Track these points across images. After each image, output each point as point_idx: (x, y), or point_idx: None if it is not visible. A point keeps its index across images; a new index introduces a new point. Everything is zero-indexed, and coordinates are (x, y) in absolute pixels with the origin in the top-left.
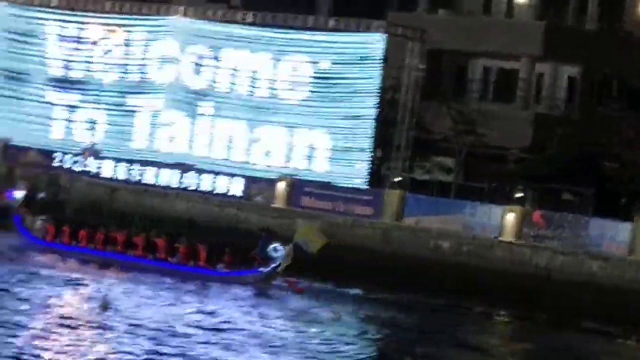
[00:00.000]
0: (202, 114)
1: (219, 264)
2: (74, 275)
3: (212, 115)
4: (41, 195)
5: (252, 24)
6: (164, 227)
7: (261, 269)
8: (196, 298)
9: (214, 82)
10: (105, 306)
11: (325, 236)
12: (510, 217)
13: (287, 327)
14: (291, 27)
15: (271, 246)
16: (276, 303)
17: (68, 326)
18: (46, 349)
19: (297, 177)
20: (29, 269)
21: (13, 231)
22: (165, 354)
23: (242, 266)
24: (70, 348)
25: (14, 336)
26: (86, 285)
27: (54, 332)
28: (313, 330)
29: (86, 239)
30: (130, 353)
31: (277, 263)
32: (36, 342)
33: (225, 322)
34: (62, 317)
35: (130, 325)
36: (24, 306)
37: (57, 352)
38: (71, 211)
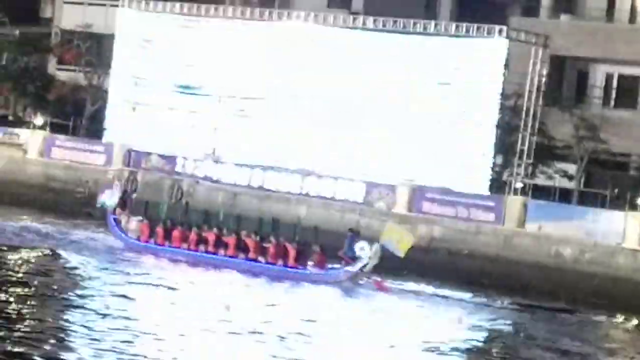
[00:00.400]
0: (322, 120)
1: (308, 263)
2: (185, 276)
3: (332, 121)
4: (134, 195)
5: (373, 29)
6: (283, 232)
7: (348, 268)
8: (302, 297)
9: (334, 88)
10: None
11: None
12: (633, 224)
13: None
14: (412, 33)
15: (357, 245)
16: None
17: (197, 328)
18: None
19: (418, 183)
20: (138, 269)
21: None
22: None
23: (330, 265)
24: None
25: (142, 339)
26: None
27: (186, 336)
28: (435, 331)
29: (179, 239)
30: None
31: (364, 262)
32: (167, 346)
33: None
34: (185, 319)
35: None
36: (141, 309)
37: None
38: (194, 216)
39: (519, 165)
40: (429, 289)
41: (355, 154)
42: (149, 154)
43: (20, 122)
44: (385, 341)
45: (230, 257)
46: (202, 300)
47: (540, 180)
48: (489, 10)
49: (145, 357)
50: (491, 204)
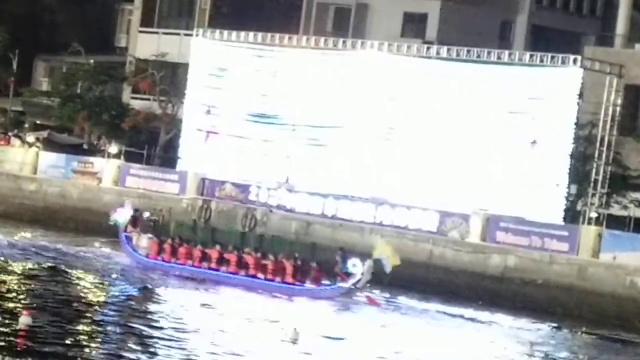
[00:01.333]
0: (395, 149)
1: (306, 279)
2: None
3: (405, 150)
4: (146, 214)
5: (447, 58)
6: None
7: (341, 284)
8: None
9: (408, 117)
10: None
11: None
12: None
13: None
14: (486, 62)
15: (350, 262)
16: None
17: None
18: None
19: (492, 212)
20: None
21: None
22: None
23: (325, 281)
24: None
25: None
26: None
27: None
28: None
29: (184, 256)
30: None
31: (357, 279)
32: None
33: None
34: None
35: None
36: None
37: None
38: (267, 244)
39: (594, 195)
40: (503, 318)
41: (429, 183)
42: (223, 182)
43: (95, 151)
44: None
45: (231, 273)
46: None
47: (615, 210)
48: (563, 40)
49: None
50: (565, 233)
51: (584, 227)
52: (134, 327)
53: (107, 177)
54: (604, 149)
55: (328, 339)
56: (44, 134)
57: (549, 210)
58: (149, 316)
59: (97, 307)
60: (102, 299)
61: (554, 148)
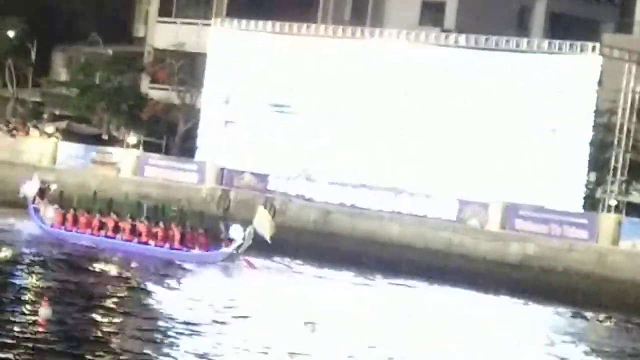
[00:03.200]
0: (414, 137)
1: (194, 246)
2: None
3: (424, 138)
4: (54, 187)
5: (465, 46)
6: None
7: (224, 249)
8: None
9: (427, 105)
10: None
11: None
12: None
13: None
14: (504, 50)
15: (232, 228)
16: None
17: None
18: None
19: (511, 201)
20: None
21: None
22: None
23: (212, 248)
24: None
25: None
26: None
27: None
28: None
29: (84, 225)
30: None
31: (239, 244)
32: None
33: None
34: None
35: None
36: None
37: None
38: (286, 233)
39: (613, 183)
40: (522, 305)
41: (448, 172)
42: (242, 172)
43: (113, 141)
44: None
45: (126, 240)
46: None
47: (634, 198)
48: (582, 27)
49: None
50: (584, 221)
51: (603, 215)
52: None
53: (126, 167)
54: (623, 136)
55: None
56: (63, 124)
57: (569, 199)
58: None
59: None
60: None
61: (573, 136)
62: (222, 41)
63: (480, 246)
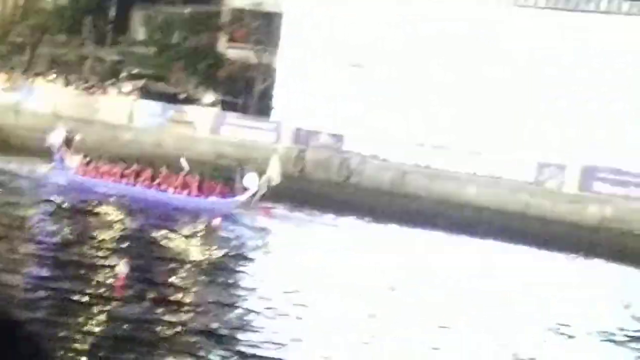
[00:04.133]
0: (492, 99)
1: (212, 194)
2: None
3: (502, 100)
4: (79, 137)
5: (543, 7)
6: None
7: (238, 197)
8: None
9: (505, 68)
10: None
11: None
12: None
13: None
14: (583, 11)
15: (246, 176)
16: None
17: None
18: None
19: (589, 163)
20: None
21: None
22: None
23: (228, 196)
24: None
25: None
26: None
27: None
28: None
29: (107, 173)
30: None
31: (254, 191)
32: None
33: None
34: None
35: None
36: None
37: None
38: (362, 194)
39: None
40: (600, 267)
41: (526, 134)
42: (318, 132)
43: (190, 100)
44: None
45: (145, 187)
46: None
47: None
48: None
49: None
50: None
51: None
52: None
53: (203, 126)
54: None
55: None
56: (140, 83)
57: None
58: None
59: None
60: None
61: None
62: (299, 0)
63: (557, 208)
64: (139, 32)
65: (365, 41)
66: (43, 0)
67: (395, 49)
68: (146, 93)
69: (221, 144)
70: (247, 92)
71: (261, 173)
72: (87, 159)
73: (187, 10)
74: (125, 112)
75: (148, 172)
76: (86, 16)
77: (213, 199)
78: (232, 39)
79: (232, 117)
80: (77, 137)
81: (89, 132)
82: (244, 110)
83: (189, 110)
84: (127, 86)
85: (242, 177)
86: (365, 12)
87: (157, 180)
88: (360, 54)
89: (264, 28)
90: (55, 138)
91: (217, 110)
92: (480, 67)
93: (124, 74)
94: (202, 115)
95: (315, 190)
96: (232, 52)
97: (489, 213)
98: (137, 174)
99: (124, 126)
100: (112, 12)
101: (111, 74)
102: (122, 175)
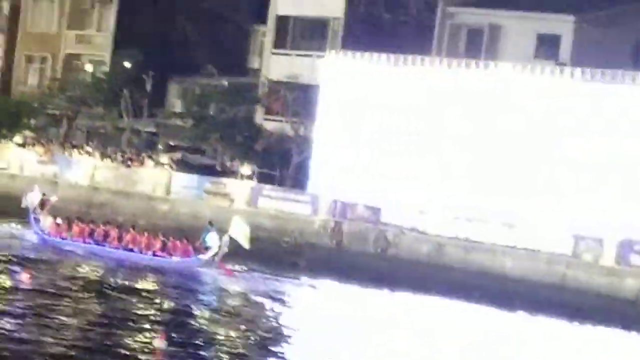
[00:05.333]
0: (529, 171)
1: (175, 253)
2: None
3: (539, 172)
4: (53, 198)
5: (580, 80)
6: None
7: (201, 256)
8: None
9: (542, 138)
10: None
11: None
12: None
13: None
14: (620, 83)
15: (209, 236)
16: None
17: None
18: None
19: (627, 236)
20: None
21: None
22: None
23: (191, 255)
24: None
25: None
26: None
27: None
28: None
29: (78, 233)
30: None
31: (215, 251)
32: None
33: None
34: None
35: None
36: None
37: None
38: (399, 266)
39: None
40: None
41: (562, 206)
42: (355, 204)
43: (227, 172)
44: None
45: (113, 247)
46: None
47: None
48: None
49: None
50: None
51: None
52: None
53: (240, 198)
54: None
55: None
56: (177, 155)
57: None
58: None
59: None
60: None
61: None
62: (336, 73)
63: (594, 281)
64: (176, 104)
65: (402, 114)
66: (81, 73)
67: (432, 121)
68: (183, 165)
69: (258, 216)
70: (283, 164)
71: (298, 245)
72: (59, 220)
73: (224, 82)
74: (162, 183)
75: (115, 233)
76: (123, 89)
77: (177, 258)
78: (268, 111)
79: (268, 189)
80: (52, 199)
81: (126, 204)
82: (280, 182)
83: (226, 182)
84: (164, 158)
85: (204, 236)
86: (402, 85)
87: (125, 241)
88: (397, 127)
89: (300, 100)
90: (31, 199)
91: (253, 182)
92: (517, 139)
93: (160, 146)
94: (238, 187)
95: (352, 262)
96: (269, 124)
97: (526, 285)
98: (106, 234)
99: (161, 198)
100: (149, 85)
101: (148, 146)
102: (91, 236)
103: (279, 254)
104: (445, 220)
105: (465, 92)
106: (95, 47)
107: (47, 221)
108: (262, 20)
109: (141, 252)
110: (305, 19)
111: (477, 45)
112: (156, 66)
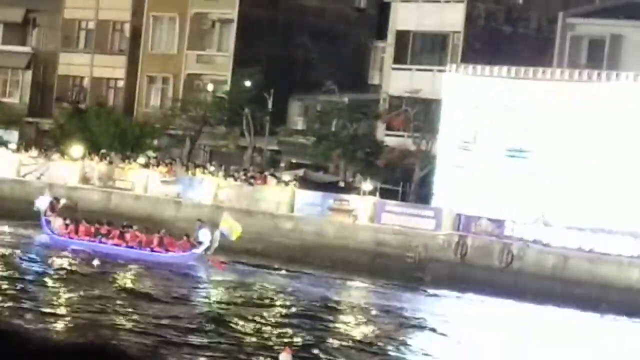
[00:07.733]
0: None
1: (173, 249)
2: None
3: None
4: (63, 201)
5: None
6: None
7: (194, 250)
8: None
9: None
10: None
11: None
12: None
13: None
14: None
15: (201, 232)
16: None
17: None
18: None
19: None
20: None
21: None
22: None
23: (188, 251)
24: None
25: None
26: None
27: None
28: None
29: (83, 233)
30: None
31: (206, 246)
32: None
33: None
34: None
35: None
36: None
37: None
38: (525, 279)
39: None
40: None
41: None
42: (479, 218)
43: (350, 189)
44: None
45: (115, 245)
46: None
47: None
48: None
49: None
50: None
51: None
52: None
53: (363, 214)
54: None
55: None
56: (300, 172)
57: None
58: None
59: None
60: None
61: None
62: (457, 87)
63: None
64: (297, 122)
65: (524, 126)
66: (202, 93)
67: (555, 133)
68: (306, 182)
69: (381, 231)
70: (405, 180)
71: (422, 260)
72: (67, 221)
73: (345, 98)
74: (285, 201)
75: (117, 232)
76: (244, 107)
77: (172, 253)
78: (390, 127)
79: (391, 204)
80: (62, 202)
81: (250, 222)
82: (403, 197)
83: (349, 199)
84: (287, 176)
85: (198, 231)
86: (524, 98)
87: (126, 238)
88: (520, 139)
89: (422, 115)
90: (42, 203)
91: (376, 198)
92: (639, 149)
93: (283, 164)
94: (361, 203)
95: (477, 276)
96: (391, 139)
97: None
98: (108, 233)
99: (284, 216)
100: (270, 103)
101: (270, 164)
102: (95, 235)
103: (403, 269)
104: (569, 232)
105: (589, 104)
106: (216, 67)
107: (56, 223)
108: (382, 36)
109: (140, 249)
110: (425, 34)
111: (599, 56)
112: (277, 84)
